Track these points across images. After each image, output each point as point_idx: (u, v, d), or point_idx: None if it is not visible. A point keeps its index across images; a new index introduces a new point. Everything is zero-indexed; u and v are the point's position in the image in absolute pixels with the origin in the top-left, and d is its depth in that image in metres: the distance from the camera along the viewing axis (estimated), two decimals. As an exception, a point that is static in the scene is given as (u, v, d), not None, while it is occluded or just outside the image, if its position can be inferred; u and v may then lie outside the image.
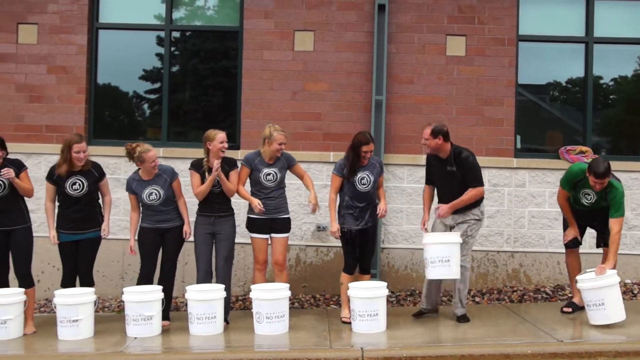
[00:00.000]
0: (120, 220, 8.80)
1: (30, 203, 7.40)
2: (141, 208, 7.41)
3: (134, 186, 7.32)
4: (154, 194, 7.25)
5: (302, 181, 7.76)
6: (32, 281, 7.26)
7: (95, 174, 7.30)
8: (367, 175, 7.34)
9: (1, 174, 6.92)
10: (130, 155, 7.26)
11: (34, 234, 7.32)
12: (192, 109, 9.59)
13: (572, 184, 7.28)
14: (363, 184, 7.33)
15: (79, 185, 7.18)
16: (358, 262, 7.52)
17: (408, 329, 7.03)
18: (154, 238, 7.32)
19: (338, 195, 7.48)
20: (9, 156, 7.21)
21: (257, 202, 7.31)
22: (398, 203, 8.98)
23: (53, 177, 7.19)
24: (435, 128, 7.17)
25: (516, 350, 6.20)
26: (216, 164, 7.14)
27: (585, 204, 7.31)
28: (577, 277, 7.07)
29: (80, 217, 7.20)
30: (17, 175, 7.05)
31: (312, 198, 7.47)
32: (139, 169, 7.36)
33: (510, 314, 7.67)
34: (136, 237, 7.40)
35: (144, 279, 7.30)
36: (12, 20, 9.13)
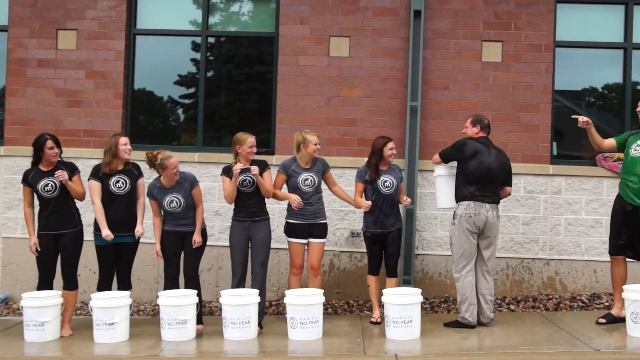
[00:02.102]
0: (155, 224, 8.88)
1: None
2: (162, 212, 7.46)
3: (155, 193, 7.34)
4: (174, 201, 7.27)
5: (333, 190, 7.85)
6: (76, 284, 7.37)
7: (135, 173, 7.43)
8: (390, 178, 7.57)
9: (55, 175, 7.07)
10: (151, 162, 7.29)
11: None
12: (227, 114, 9.65)
13: (624, 139, 7.42)
14: (386, 187, 7.52)
15: (122, 183, 7.28)
16: (383, 264, 7.73)
17: (442, 336, 6.99)
18: (175, 240, 7.34)
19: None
20: (64, 158, 7.43)
21: (294, 197, 7.38)
22: (433, 209, 8.93)
23: (99, 174, 7.28)
24: (475, 117, 7.50)
25: (552, 359, 6.16)
26: (253, 169, 7.21)
27: (633, 155, 7.19)
28: (625, 287, 6.97)
29: (121, 218, 7.27)
30: (70, 178, 7.18)
31: (352, 200, 7.80)
32: (159, 175, 7.41)
33: (546, 322, 7.59)
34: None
35: (170, 282, 7.34)
36: (51, 26, 9.27)
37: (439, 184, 7.68)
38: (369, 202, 7.47)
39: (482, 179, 7.22)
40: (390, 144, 7.62)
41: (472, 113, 7.76)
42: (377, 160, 7.60)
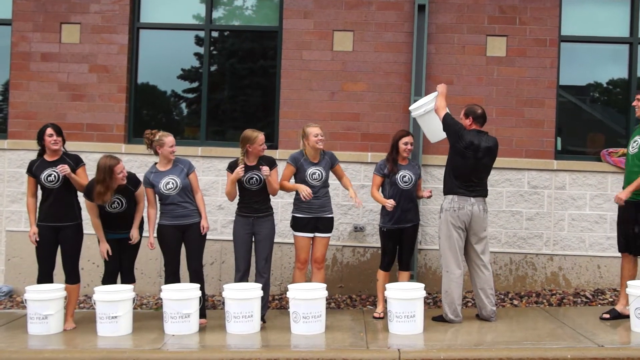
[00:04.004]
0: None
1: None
2: (159, 205, 7.44)
3: (151, 178, 7.34)
4: (170, 182, 7.26)
5: (341, 181, 7.84)
6: (79, 278, 7.38)
7: (131, 189, 7.32)
8: (409, 173, 7.58)
9: (58, 169, 7.07)
10: (150, 141, 7.37)
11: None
12: (231, 108, 9.64)
13: (631, 136, 7.42)
14: (405, 182, 7.52)
15: (118, 204, 7.23)
16: (396, 259, 7.76)
17: (445, 331, 6.98)
18: (174, 235, 7.32)
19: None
20: (69, 151, 7.46)
21: (304, 187, 7.37)
22: (436, 204, 8.91)
23: (92, 199, 7.12)
24: (468, 108, 7.44)
25: (555, 354, 6.12)
26: (264, 170, 7.21)
27: (630, 152, 7.22)
28: (629, 282, 6.95)
29: (122, 223, 7.31)
30: (74, 171, 7.19)
31: (352, 193, 7.63)
32: (155, 163, 7.44)
33: (549, 318, 7.58)
34: (155, 235, 7.44)
35: (171, 276, 7.34)
36: (55, 20, 9.26)
37: (423, 122, 7.72)
38: (393, 202, 7.44)
39: (469, 175, 7.24)
40: (405, 139, 7.62)
41: (466, 104, 7.70)
42: (394, 153, 7.63)
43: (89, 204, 7.20)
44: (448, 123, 7.28)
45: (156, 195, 7.38)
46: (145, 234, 7.51)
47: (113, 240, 7.30)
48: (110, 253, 7.24)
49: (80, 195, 7.36)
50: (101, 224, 7.25)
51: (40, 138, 7.22)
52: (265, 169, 7.22)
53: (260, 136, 7.37)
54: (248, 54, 9.61)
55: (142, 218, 7.46)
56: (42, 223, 7.22)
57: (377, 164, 7.76)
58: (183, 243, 7.39)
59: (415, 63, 8.83)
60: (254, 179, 7.33)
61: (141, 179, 7.46)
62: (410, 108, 7.82)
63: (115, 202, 7.21)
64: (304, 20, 9.09)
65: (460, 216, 7.19)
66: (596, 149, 9.16)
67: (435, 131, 7.64)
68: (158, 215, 7.43)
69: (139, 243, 7.46)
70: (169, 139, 7.35)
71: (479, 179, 7.30)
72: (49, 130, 7.19)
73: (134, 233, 7.33)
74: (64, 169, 7.06)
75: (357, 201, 7.57)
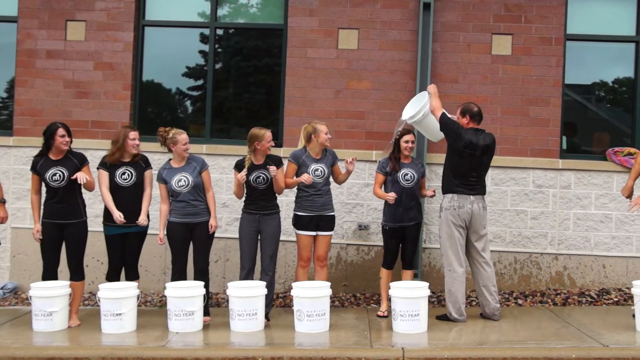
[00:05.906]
0: (163, 216, 8.87)
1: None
2: (170, 200, 7.46)
3: (164, 174, 7.38)
4: (182, 180, 7.28)
5: (339, 179, 7.88)
6: (83, 275, 7.40)
7: (142, 165, 7.47)
8: (411, 172, 7.58)
9: (75, 177, 7.08)
10: (163, 138, 7.40)
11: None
12: (235, 106, 9.64)
13: None
14: (407, 180, 7.53)
15: (128, 175, 7.34)
16: (399, 258, 7.75)
17: (449, 330, 6.98)
18: (182, 233, 7.33)
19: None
20: (73, 149, 7.48)
21: (305, 175, 7.38)
22: (440, 202, 8.89)
23: (106, 165, 7.36)
24: (464, 106, 7.42)
25: (560, 354, 6.11)
26: (272, 170, 7.24)
27: None
28: (634, 282, 6.92)
29: (127, 209, 7.29)
30: (79, 169, 7.20)
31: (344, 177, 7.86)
32: (169, 159, 7.47)
33: (554, 317, 7.57)
34: (165, 232, 7.45)
35: (177, 273, 7.35)
36: (61, 17, 9.27)
37: (422, 126, 7.67)
38: (394, 194, 7.44)
39: (468, 174, 7.25)
40: (406, 137, 7.63)
41: (463, 103, 7.67)
42: (396, 152, 7.65)
43: (102, 175, 7.34)
44: (446, 123, 7.28)
45: (169, 193, 7.40)
46: (155, 231, 7.52)
47: (117, 235, 7.34)
48: (123, 219, 7.23)
49: (85, 192, 7.41)
50: (111, 197, 7.30)
51: (51, 137, 7.19)
52: (272, 168, 7.23)
53: (268, 133, 7.40)
54: (253, 51, 9.60)
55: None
56: (47, 220, 7.23)
57: (379, 162, 7.77)
58: (191, 241, 7.40)
59: (420, 61, 8.81)
60: (261, 177, 7.34)
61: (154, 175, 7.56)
62: (404, 117, 7.69)
63: (126, 174, 7.33)
64: (309, 18, 9.08)
65: (460, 214, 7.20)
66: (602, 148, 9.13)
67: (435, 131, 7.61)
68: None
69: (143, 239, 7.51)
70: (183, 136, 7.37)
71: (478, 177, 7.31)
72: (61, 131, 7.18)
73: (141, 218, 7.32)
74: (80, 176, 7.07)
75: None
